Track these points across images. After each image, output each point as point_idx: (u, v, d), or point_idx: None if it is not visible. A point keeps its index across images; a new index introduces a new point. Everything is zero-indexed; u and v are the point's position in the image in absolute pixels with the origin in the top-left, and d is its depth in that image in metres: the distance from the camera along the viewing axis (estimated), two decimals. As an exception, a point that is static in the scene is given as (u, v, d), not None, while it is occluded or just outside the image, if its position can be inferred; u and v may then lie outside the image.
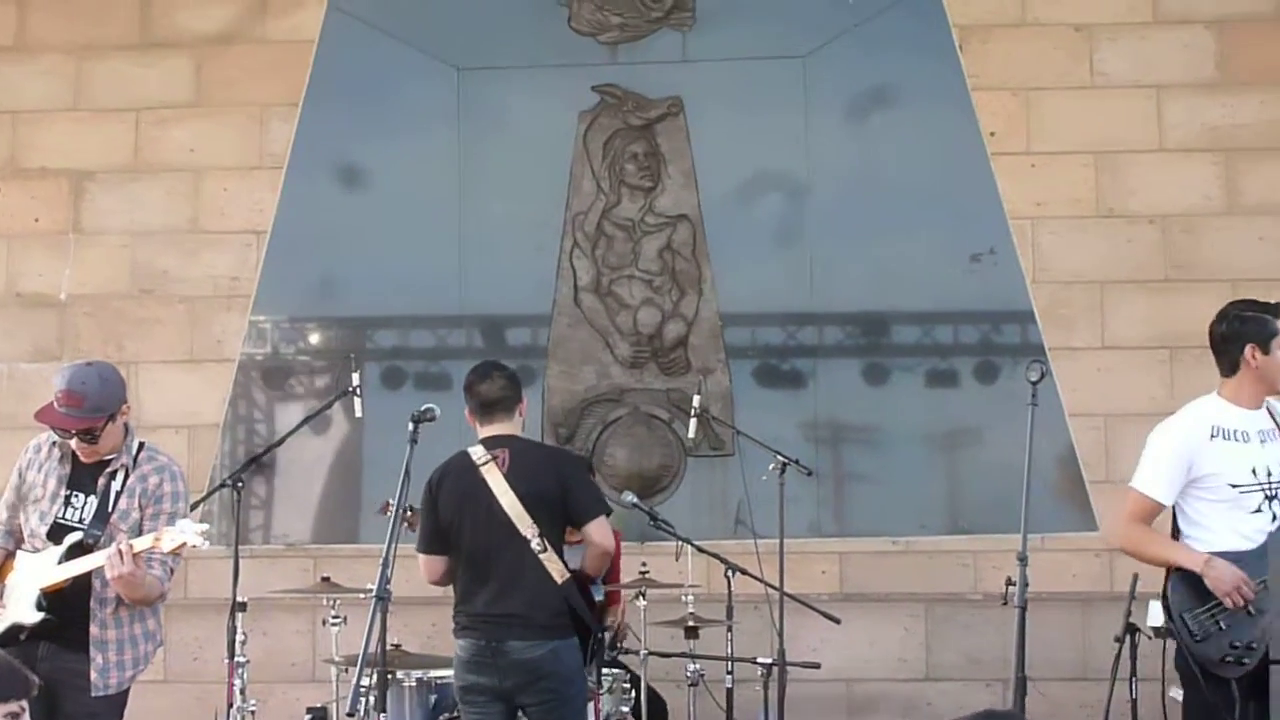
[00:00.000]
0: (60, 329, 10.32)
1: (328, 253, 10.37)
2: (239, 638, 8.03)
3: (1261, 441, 6.89)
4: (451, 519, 7.29)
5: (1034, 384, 7.18)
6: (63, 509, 6.79)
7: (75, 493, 6.82)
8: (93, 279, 10.35)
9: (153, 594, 6.75)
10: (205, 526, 6.59)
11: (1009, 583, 7.10)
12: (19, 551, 6.89)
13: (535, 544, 7.07)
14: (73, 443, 6.79)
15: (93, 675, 6.66)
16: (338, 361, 10.22)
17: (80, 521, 6.76)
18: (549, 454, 7.61)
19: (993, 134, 10.10)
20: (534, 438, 7.52)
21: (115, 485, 6.78)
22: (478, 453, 7.29)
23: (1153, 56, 10.09)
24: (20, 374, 10.14)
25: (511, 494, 7.14)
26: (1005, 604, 7.19)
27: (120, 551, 6.44)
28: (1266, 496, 6.86)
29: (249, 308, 10.31)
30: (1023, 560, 7.00)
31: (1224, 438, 6.93)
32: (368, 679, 7.08)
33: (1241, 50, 10.05)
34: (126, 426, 6.92)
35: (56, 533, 6.75)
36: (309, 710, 8.96)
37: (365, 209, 10.33)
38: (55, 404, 6.72)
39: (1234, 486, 6.91)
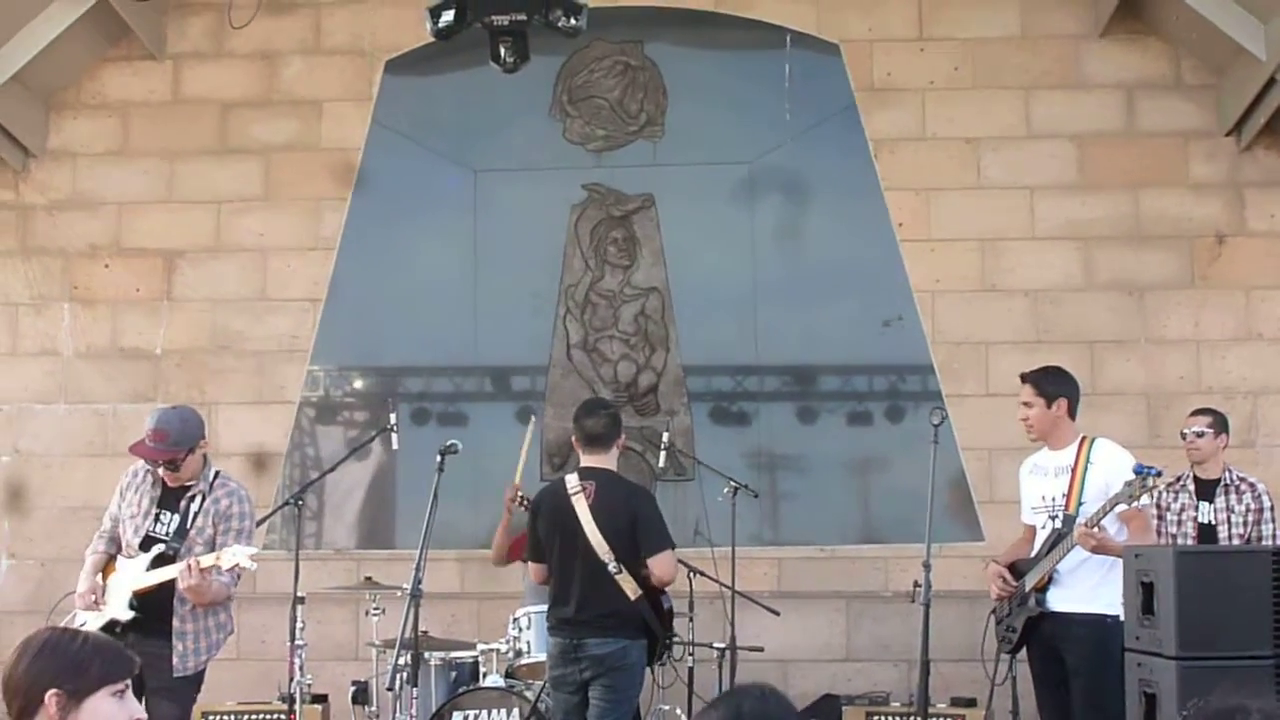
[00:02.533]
0: (155, 377, 10.16)
1: (369, 316, 10.24)
2: (299, 625, 7.90)
3: (1055, 475, 7.09)
4: (546, 537, 7.17)
5: (935, 426, 7.21)
6: (152, 524, 6.82)
7: (163, 511, 6.83)
8: (181, 337, 10.21)
9: (219, 598, 6.75)
10: (255, 550, 6.62)
11: (915, 584, 7.06)
12: (119, 556, 6.88)
13: (612, 567, 6.94)
14: (160, 470, 6.76)
15: (174, 660, 6.64)
16: (376, 403, 10.07)
17: (165, 535, 6.75)
18: (628, 491, 7.28)
19: (900, 224, 9.98)
20: (612, 470, 7.27)
21: (194, 507, 6.80)
22: (571, 482, 7.14)
23: (1027, 164, 10.00)
24: (122, 413, 9.99)
25: (594, 524, 6.98)
26: (913, 601, 7.15)
27: (189, 567, 6.43)
28: (1049, 516, 7.05)
29: (306, 360, 10.16)
30: (927, 566, 6.98)
31: (1032, 472, 7.30)
32: (403, 659, 6.98)
33: (1097, 159, 9.98)
34: (205, 457, 6.94)
35: (146, 544, 6.80)
36: (353, 683, 8.79)
37: (399, 281, 10.19)
38: (146, 439, 6.72)
39: (1033, 508, 7.23)
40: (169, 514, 6.79)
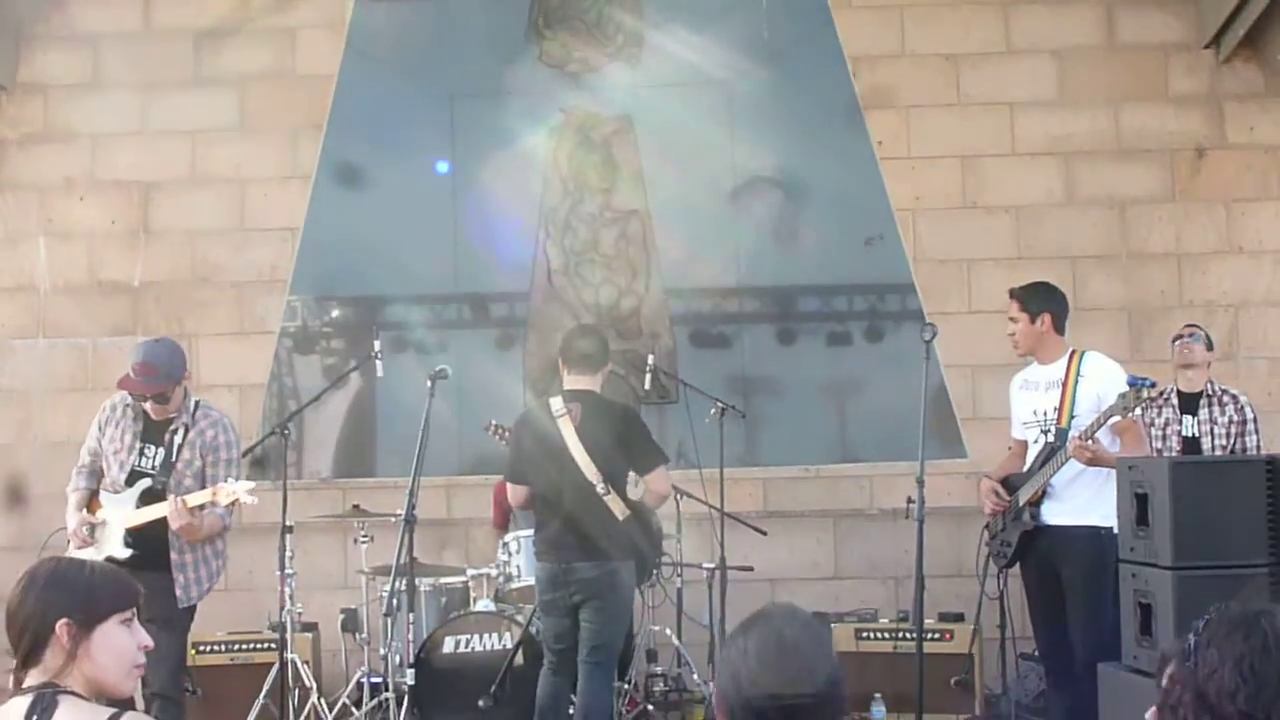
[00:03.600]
0: (134, 310, 10.00)
1: (347, 245, 10.05)
2: (287, 554, 7.81)
3: (1046, 389, 7.01)
4: (531, 458, 7.07)
5: (927, 342, 7.14)
6: (137, 459, 6.75)
7: (148, 445, 6.77)
8: (159, 269, 10.03)
9: (213, 532, 6.71)
10: (253, 484, 6.52)
11: (909, 500, 7.01)
12: (102, 492, 6.79)
13: (600, 488, 6.85)
14: (147, 404, 6.66)
15: (178, 591, 6.62)
16: (355, 332, 9.95)
17: (151, 469, 6.68)
18: (614, 412, 7.19)
19: (880, 143, 9.87)
20: (596, 392, 7.19)
21: (178, 439, 6.72)
22: (556, 405, 7.04)
23: (1006, 80, 9.88)
24: (102, 347, 9.84)
25: (581, 446, 6.89)
26: (907, 517, 7.08)
27: (177, 508, 6.32)
28: (1041, 430, 6.99)
29: (285, 290, 10.01)
30: (920, 482, 6.93)
31: (1023, 387, 7.20)
32: (399, 584, 6.97)
33: (1076, 75, 9.87)
34: (186, 389, 6.79)
35: (133, 478, 6.69)
36: (342, 611, 8.78)
37: (377, 209, 10.00)
38: (133, 374, 6.61)
39: (1024, 423, 7.14)
40: (153, 448, 6.70)
